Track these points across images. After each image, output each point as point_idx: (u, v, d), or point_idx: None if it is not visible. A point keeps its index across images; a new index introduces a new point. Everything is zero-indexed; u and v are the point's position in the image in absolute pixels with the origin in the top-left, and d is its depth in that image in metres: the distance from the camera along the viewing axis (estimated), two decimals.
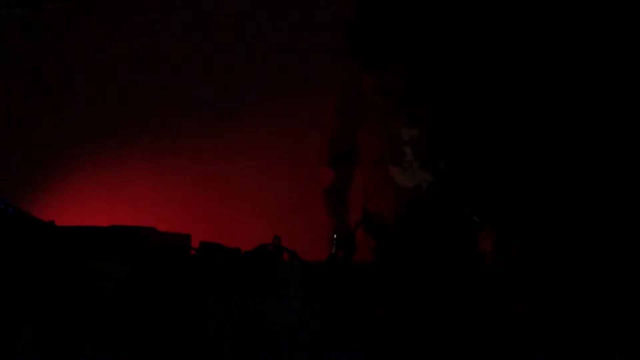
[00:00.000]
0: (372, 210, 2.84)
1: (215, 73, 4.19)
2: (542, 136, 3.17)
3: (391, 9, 2.63)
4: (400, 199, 2.77)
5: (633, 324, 2.77)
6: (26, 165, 4.59)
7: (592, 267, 2.96)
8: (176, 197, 4.21)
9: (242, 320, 1.95)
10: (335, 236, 2.43)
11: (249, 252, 2.15)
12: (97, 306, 2.13)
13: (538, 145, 3.07)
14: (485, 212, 2.65)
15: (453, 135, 2.73)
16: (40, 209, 3.86)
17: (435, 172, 2.73)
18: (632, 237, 3.00)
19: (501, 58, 3.26)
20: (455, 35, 3.14)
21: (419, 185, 2.75)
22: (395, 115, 2.77)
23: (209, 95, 4.21)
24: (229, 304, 1.97)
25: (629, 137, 3.14)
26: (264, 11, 4.09)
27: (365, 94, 2.81)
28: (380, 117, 2.80)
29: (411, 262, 2.63)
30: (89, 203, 4.37)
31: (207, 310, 1.99)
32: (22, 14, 4.68)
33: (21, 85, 4.71)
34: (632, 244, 2.98)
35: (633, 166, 3.11)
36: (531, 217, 2.83)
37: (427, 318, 2.15)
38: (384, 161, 2.79)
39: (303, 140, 3.81)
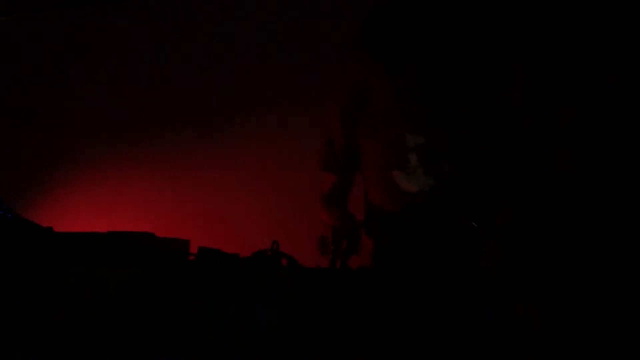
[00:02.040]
0: (375, 215, 2.84)
1: (215, 76, 4.19)
2: (543, 141, 3.17)
3: (399, 17, 2.62)
4: (404, 204, 2.77)
5: (633, 327, 2.77)
6: (25, 172, 4.59)
7: (592, 271, 2.96)
8: (175, 202, 4.21)
9: (240, 326, 1.95)
10: (333, 242, 2.43)
11: (247, 258, 2.16)
12: (96, 312, 2.12)
13: (539, 150, 3.07)
14: (486, 217, 2.65)
15: (458, 141, 2.73)
16: (38, 215, 3.85)
17: (439, 177, 2.73)
18: (631, 241, 3.00)
19: (503, 65, 3.26)
20: (459, 42, 3.14)
21: (423, 190, 2.75)
22: (400, 121, 2.77)
23: (208, 99, 4.21)
24: (227, 310, 1.97)
25: (629, 139, 3.15)
26: (265, 13, 4.09)
27: (370, 100, 2.81)
28: (385, 123, 2.79)
29: (411, 267, 2.64)
30: (88, 209, 4.37)
31: (206, 316, 1.99)
32: (23, 17, 4.69)
33: (20, 89, 4.71)
34: (631, 248, 2.98)
35: (633, 169, 3.11)
36: (530, 221, 2.83)
37: (427, 322, 2.15)
38: (389, 167, 2.79)
39: (303, 146, 3.81)
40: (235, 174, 4.08)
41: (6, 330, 2.21)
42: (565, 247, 3.00)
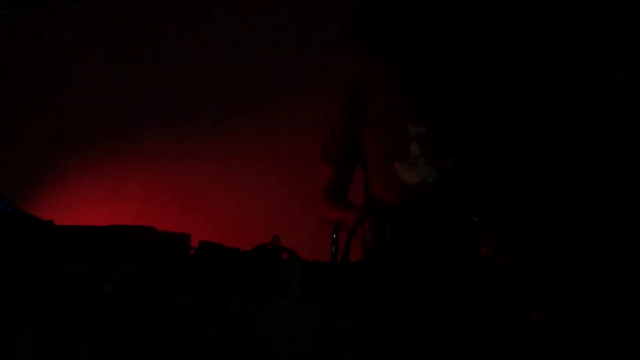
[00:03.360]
0: (375, 208, 2.84)
1: (215, 73, 4.20)
2: (544, 137, 3.17)
3: (394, 6, 2.61)
4: (405, 196, 2.76)
5: (633, 326, 2.77)
6: (25, 165, 4.59)
7: (592, 269, 2.95)
8: (176, 196, 4.21)
9: (240, 320, 1.95)
10: (335, 235, 2.43)
11: (248, 252, 2.15)
12: (96, 306, 2.12)
13: (540, 146, 3.07)
14: (486, 212, 2.64)
15: (459, 133, 2.72)
16: (39, 208, 3.85)
17: (441, 169, 2.72)
18: (631, 239, 2.99)
19: (505, 60, 3.26)
20: (461, 32, 3.13)
21: (424, 181, 2.74)
22: (401, 110, 2.76)
23: (208, 95, 4.21)
24: (227, 304, 1.96)
25: (629, 139, 3.14)
26: (264, 9, 4.09)
27: (371, 90, 2.80)
28: (386, 112, 2.79)
29: (411, 261, 2.63)
30: (88, 202, 4.37)
31: (206, 310, 1.99)
32: (21, 14, 4.69)
33: (20, 84, 4.71)
34: (631, 246, 2.98)
35: (633, 168, 3.11)
36: (531, 219, 2.82)
37: (427, 318, 2.14)
38: (390, 158, 2.79)
39: (303, 139, 3.81)
40: (236, 169, 4.08)
41: (6, 324, 2.21)
42: (565, 243, 3.00)
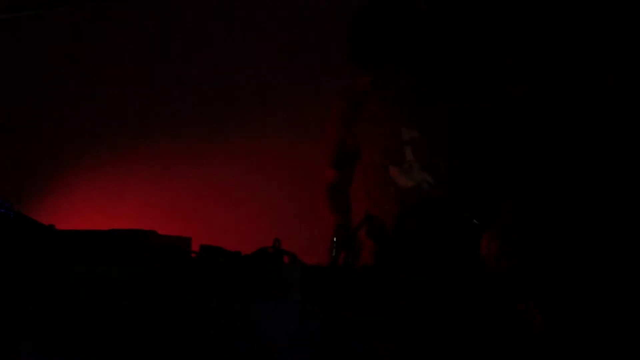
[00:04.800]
0: (374, 212, 2.84)
1: (216, 76, 4.19)
2: (542, 138, 3.17)
3: (390, 10, 2.62)
4: (401, 200, 2.77)
5: (632, 326, 2.77)
6: (27, 170, 4.59)
7: (591, 269, 2.96)
8: (177, 200, 4.21)
9: (242, 324, 1.95)
10: (335, 239, 2.43)
11: (249, 255, 2.16)
12: (98, 310, 2.13)
13: (538, 147, 3.07)
14: (485, 214, 2.65)
15: (453, 136, 2.73)
16: (40, 213, 3.86)
17: (435, 173, 2.73)
18: (631, 241, 3.00)
19: (501, 64, 3.26)
20: (455, 35, 3.14)
21: (419, 186, 2.75)
22: (395, 115, 2.77)
23: (209, 98, 4.21)
24: (229, 307, 1.97)
25: (629, 138, 3.15)
26: (265, 11, 4.09)
27: (365, 95, 2.81)
28: (380, 117, 2.80)
29: (411, 264, 2.64)
30: (89, 207, 4.37)
31: (207, 313, 1.99)
32: (22, 16, 4.69)
33: (20, 88, 4.71)
34: (631, 248, 2.98)
35: (633, 168, 3.11)
36: (531, 220, 2.83)
37: (427, 321, 2.15)
38: (385, 162, 2.80)
39: (304, 143, 3.81)
40: (237, 172, 4.08)
41: (8, 328, 2.21)
42: (565, 245, 3.00)
